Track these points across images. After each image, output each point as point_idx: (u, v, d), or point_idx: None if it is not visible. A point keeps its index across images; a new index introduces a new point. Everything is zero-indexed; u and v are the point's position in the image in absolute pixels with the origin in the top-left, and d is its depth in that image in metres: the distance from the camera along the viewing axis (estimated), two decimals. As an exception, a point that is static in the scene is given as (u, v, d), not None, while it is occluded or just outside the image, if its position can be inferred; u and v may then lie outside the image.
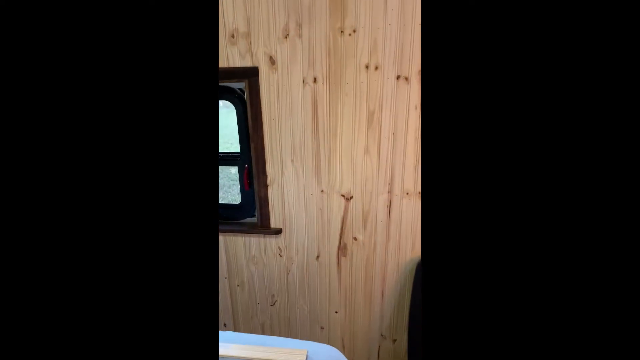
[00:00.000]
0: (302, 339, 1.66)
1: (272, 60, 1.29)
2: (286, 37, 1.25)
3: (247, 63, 1.31)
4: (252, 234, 1.53)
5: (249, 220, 1.62)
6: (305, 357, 1.03)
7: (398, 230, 1.42)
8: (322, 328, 1.63)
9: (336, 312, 1.59)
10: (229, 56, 1.31)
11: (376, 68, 1.24)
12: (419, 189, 1.35)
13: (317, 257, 1.51)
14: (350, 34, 1.21)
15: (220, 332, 1.16)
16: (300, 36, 1.24)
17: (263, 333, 1.70)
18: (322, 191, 1.41)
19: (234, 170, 5.32)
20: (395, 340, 1.58)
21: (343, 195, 1.41)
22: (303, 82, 1.29)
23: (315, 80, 1.28)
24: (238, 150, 1.52)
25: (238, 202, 1.63)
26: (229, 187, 5.02)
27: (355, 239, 1.46)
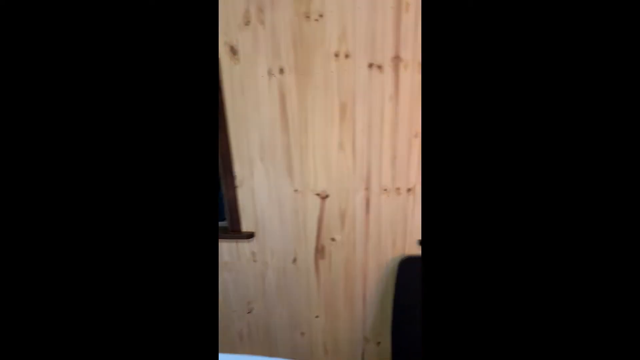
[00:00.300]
0: (281, 346, 1.58)
1: (233, 51, 1.17)
2: (247, 24, 1.14)
3: (206, 54, 1.19)
4: (222, 239, 1.43)
5: (219, 224, 1.51)
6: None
7: (377, 228, 1.35)
8: (302, 334, 1.54)
9: (317, 316, 1.51)
10: (186, 47, 1.19)
11: (346, 56, 1.14)
12: (397, 184, 1.27)
13: (294, 260, 1.42)
14: (316, 19, 1.11)
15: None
16: (262, 22, 1.13)
17: (241, 341, 1.61)
18: (296, 191, 1.32)
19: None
20: (379, 343, 1.51)
21: (318, 194, 1.32)
22: (268, 73, 1.18)
23: (281, 71, 1.18)
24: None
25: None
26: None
27: (333, 239, 1.38)
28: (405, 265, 1.35)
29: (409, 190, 1.28)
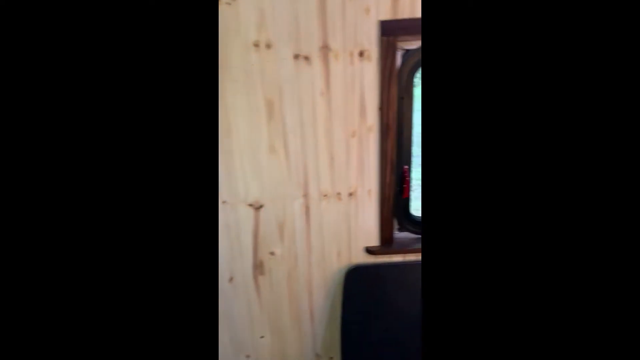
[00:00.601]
0: (226, 372, 1.42)
1: (131, 41, 0.97)
2: (145, 9, 0.94)
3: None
4: (144, 262, 1.23)
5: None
6: None
7: (320, 237, 1.22)
8: (247, 357, 1.40)
9: (262, 337, 1.36)
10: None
11: (268, 46, 0.99)
12: (337, 189, 1.15)
13: (230, 279, 1.26)
14: (228, 3, 0.94)
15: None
16: (163, 7, 0.94)
17: (179, 372, 1.43)
18: (224, 202, 1.16)
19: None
20: (331, 358, 1.41)
21: (251, 205, 1.17)
22: (178, 67, 1.00)
23: (193, 64, 1.00)
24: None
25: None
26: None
27: (272, 253, 1.23)
28: (353, 275, 1.24)
29: (350, 194, 1.16)
